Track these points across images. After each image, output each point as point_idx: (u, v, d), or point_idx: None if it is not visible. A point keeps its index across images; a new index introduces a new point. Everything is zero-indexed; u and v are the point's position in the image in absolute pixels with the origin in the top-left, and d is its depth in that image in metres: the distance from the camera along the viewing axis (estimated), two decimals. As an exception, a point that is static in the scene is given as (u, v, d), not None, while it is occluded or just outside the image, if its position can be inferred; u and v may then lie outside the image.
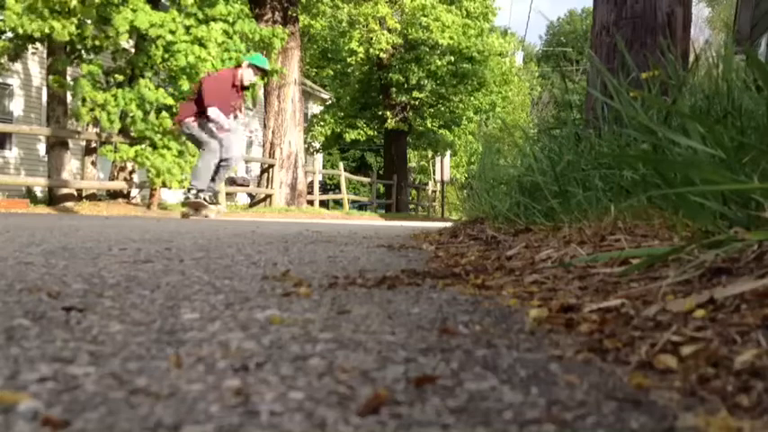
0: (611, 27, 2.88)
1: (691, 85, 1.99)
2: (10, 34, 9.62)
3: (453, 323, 0.88)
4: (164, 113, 9.89)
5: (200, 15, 10.35)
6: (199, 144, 7.39)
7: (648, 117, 1.85)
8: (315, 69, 23.46)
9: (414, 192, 26.11)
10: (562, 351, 0.72)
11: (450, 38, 20.43)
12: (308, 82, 22.26)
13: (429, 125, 22.81)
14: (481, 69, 21.91)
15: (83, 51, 10.38)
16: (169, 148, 10.11)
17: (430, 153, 27.13)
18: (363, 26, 19.98)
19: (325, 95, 24.98)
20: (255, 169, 18.00)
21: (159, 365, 0.63)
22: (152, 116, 9.86)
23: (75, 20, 9.32)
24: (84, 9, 9.15)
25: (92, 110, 9.82)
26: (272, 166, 14.20)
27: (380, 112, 22.58)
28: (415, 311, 0.97)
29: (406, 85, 21.84)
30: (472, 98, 22.72)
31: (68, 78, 10.58)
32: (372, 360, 0.67)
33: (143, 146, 10.09)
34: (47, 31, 9.06)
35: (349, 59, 21.26)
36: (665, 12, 2.83)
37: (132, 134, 10.12)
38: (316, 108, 25.76)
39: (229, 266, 1.57)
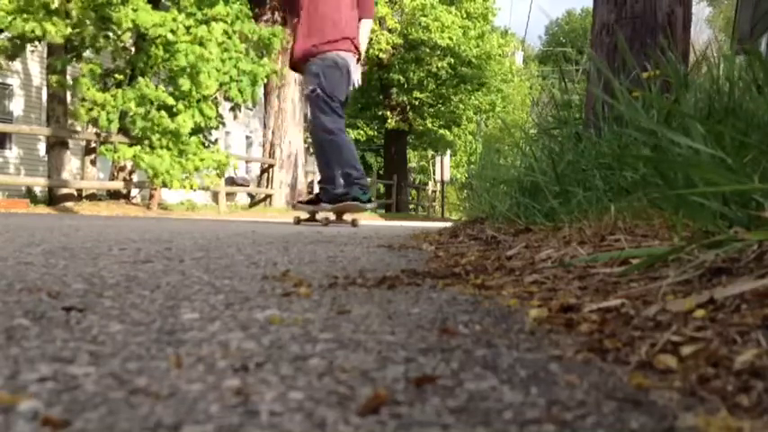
0: (611, 27, 2.88)
1: (692, 85, 1.99)
2: (8, 33, 9.61)
3: (453, 323, 0.88)
4: (162, 113, 9.88)
5: (200, 15, 10.36)
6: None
7: (649, 117, 1.85)
8: (315, 69, 23.41)
9: (414, 192, 26.12)
10: (562, 351, 0.72)
11: (450, 38, 20.43)
12: (309, 82, 22.20)
13: (429, 125, 22.82)
14: (481, 72, 21.90)
15: (82, 51, 10.38)
16: (169, 149, 10.11)
17: (430, 153, 27.14)
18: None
19: (326, 95, 24.92)
20: (255, 169, 18.00)
21: (159, 365, 0.63)
22: (151, 116, 9.86)
23: (71, 21, 9.29)
24: (81, 10, 9.14)
25: (91, 109, 9.83)
26: (272, 166, 14.21)
27: (380, 112, 22.58)
28: (415, 311, 0.97)
29: (406, 86, 21.84)
30: (472, 98, 22.72)
31: (68, 78, 10.59)
32: (372, 360, 0.67)
33: (141, 146, 10.08)
34: (38, 33, 9.03)
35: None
36: (665, 12, 2.83)
37: (132, 134, 10.12)
38: (316, 108, 25.70)
39: (229, 266, 1.57)
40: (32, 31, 9.01)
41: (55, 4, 8.90)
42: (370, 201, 5.16)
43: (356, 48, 5.16)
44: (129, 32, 9.90)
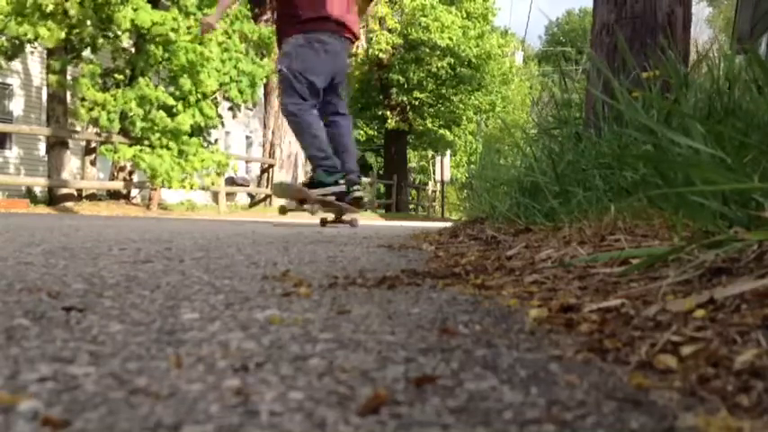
0: (611, 27, 2.88)
1: (692, 85, 1.99)
2: (6, 34, 9.62)
3: (453, 323, 0.88)
4: (161, 113, 9.89)
5: (200, 15, 10.37)
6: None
7: (649, 117, 1.85)
8: (315, 69, 23.43)
9: (414, 192, 26.14)
10: (562, 351, 0.72)
11: (450, 38, 20.43)
12: (308, 82, 22.20)
13: (429, 125, 22.83)
14: (479, 73, 21.89)
15: (82, 50, 10.39)
16: (168, 149, 10.11)
17: (430, 153, 27.16)
18: (363, 26, 19.94)
19: (326, 95, 24.96)
20: (255, 169, 18.00)
21: (159, 365, 0.63)
22: (151, 116, 9.86)
23: (69, 22, 9.28)
24: (81, 10, 9.14)
25: (91, 109, 9.83)
26: (272, 166, 14.22)
27: (380, 112, 22.59)
28: (415, 311, 0.97)
29: (406, 86, 21.84)
30: (472, 98, 22.73)
31: (68, 78, 10.59)
32: (372, 360, 0.67)
33: (141, 146, 10.08)
34: (31, 36, 9.03)
35: (348, 59, 21.24)
36: (665, 12, 2.83)
37: (132, 134, 10.13)
38: (316, 108, 25.70)
39: (229, 266, 1.57)
40: (26, 35, 9.02)
41: (50, 8, 8.90)
42: (336, 183, 4.70)
43: (346, 28, 4.83)
44: (128, 32, 9.89)
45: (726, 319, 0.75)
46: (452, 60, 21.23)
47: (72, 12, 9.17)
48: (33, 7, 8.89)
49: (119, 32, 9.84)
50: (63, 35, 9.31)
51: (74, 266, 1.45)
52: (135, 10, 9.55)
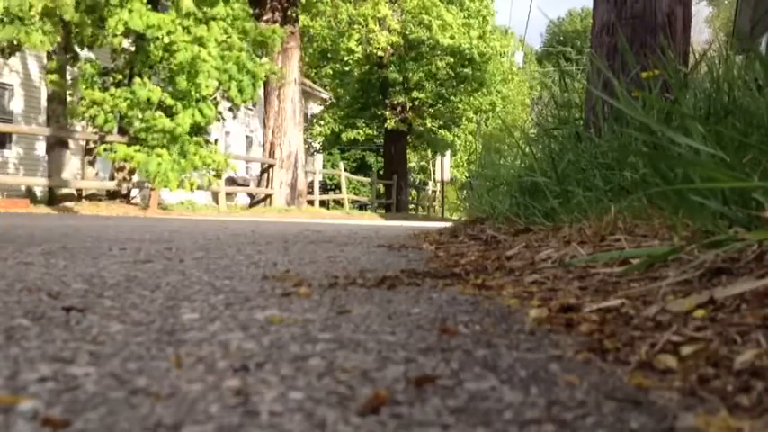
0: (611, 27, 2.88)
1: (691, 85, 1.99)
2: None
3: (453, 323, 0.88)
4: (158, 113, 9.87)
5: (199, 15, 10.36)
6: None
7: (649, 117, 1.85)
8: (314, 69, 23.46)
9: (414, 192, 26.13)
10: (562, 351, 0.72)
11: (452, 37, 20.44)
12: (308, 82, 22.23)
13: (429, 125, 22.84)
14: (480, 73, 21.89)
15: (81, 50, 10.39)
16: (167, 148, 10.10)
17: (430, 153, 27.16)
18: (363, 26, 19.95)
19: (325, 95, 24.98)
20: (255, 169, 18.01)
21: (159, 365, 0.63)
22: (146, 115, 9.84)
23: (66, 28, 9.28)
24: (76, 15, 9.13)
25: (90, 107, 9.82)
26: (272, 166, 14.22)
27: (380, 112, 22.59)
28: (415, 311, 0.97)
29: (405, 86, 21.85)
30: (472, 98, 22.74)
31: (68, 77, 10.59)
32: (372, 360, 0.67)
33: (141, 146, 10.08)
34: (22, 41, 9.03)
35: (347, 58, 21.25)
36: (665, 12, 2.83)
37: (131, 134, 10.13)
38: (316, 108, 25.75)
39: (229, 266, 1.57)
40: (14, 40, 9.03)
41: (39, 7, 8.86)
42: None
43: None
44: (122, 35, 9.86)
45: (726, 319, 0.75)
46: (453, 60, 21.22)
47: (67, 17, 9.15)
48: (26, 13, 8.88)
49: (116, 33, 9.82)
50: (59, 39, 9.31)
51: (74, 266, 1.45)
52: (130, 11, 9.51)
